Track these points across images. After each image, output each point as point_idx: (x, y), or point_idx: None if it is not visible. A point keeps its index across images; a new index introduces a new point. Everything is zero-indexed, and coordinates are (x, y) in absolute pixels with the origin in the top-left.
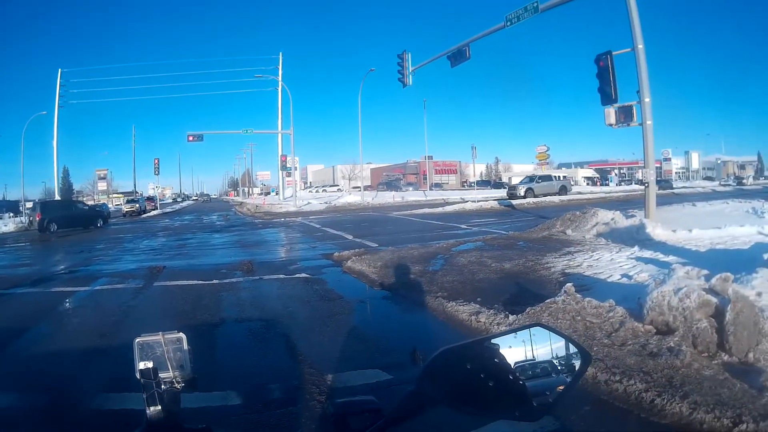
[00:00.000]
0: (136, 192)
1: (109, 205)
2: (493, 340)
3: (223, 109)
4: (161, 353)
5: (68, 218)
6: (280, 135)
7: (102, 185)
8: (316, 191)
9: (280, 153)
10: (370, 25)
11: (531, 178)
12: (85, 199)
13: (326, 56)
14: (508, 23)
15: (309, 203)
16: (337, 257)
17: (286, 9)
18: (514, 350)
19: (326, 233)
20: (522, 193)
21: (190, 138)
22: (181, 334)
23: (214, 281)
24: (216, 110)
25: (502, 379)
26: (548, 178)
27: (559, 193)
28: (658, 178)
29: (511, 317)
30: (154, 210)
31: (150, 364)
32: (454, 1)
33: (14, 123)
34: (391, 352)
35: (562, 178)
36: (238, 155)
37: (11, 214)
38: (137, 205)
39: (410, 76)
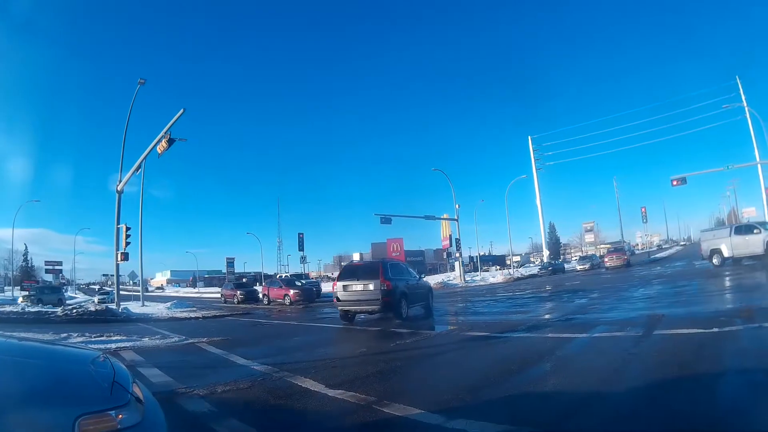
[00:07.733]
0: (624, 241)
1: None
2: None
3: (699, 147)
4: None
5: None
6: (759, 166)
7: (589, 237)
8: None
9: (762, 185)
10: None
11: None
12: (572, 251)
13: None
14: None
15: None
16: None
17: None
18: None
19: None
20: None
21: (674, 183)
22: None
23: (714, 329)
24: (692, 149)
25: None
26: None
27: None
28: None
29: None
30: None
31: None
32: None
33: (497, 187)
34: None
35: None
36: (722, 194)
37: (498, 267)
38: (625, 256)
39: None
